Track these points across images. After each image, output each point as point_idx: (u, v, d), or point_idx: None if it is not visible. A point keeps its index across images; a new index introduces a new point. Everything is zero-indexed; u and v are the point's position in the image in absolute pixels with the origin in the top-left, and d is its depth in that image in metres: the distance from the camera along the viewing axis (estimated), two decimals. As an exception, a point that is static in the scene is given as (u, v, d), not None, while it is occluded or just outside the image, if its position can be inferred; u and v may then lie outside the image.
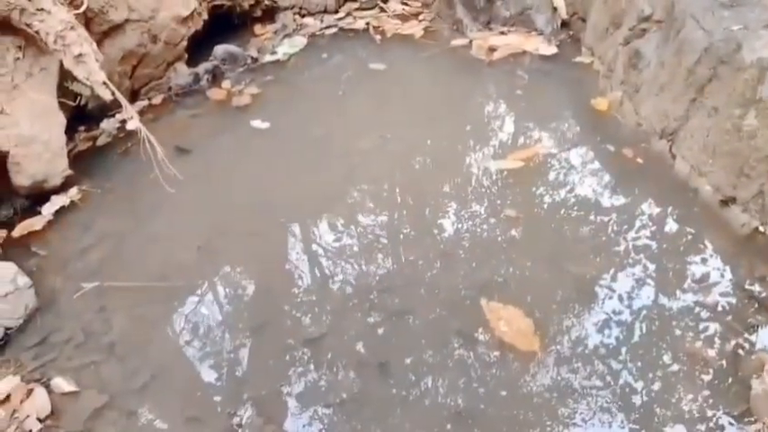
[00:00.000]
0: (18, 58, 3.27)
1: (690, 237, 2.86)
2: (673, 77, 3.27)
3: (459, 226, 3.08)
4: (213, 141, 3.88)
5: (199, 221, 3.30)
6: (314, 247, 3.17)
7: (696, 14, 3.20)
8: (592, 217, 3.01)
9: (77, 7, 3.66)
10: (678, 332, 2.42)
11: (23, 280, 2.88)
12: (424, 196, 3.28)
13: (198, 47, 4.66)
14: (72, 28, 3.29)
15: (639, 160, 3.26)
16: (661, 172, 3.18)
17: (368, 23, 5.00)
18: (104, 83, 3.34)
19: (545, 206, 3.09)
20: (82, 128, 4.04)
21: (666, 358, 2.32)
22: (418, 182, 3.40)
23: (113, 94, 3.34)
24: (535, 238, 2.95)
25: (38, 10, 3.20)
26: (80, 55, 3.27)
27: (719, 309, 2.48)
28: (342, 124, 3.94)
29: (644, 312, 2.52)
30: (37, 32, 3.23)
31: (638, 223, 2.95)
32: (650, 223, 2.95)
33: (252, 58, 4.64)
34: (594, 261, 2.76)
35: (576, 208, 3.07)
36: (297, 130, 3.90)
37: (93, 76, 3.32)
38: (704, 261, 2.72)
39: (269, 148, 3.78)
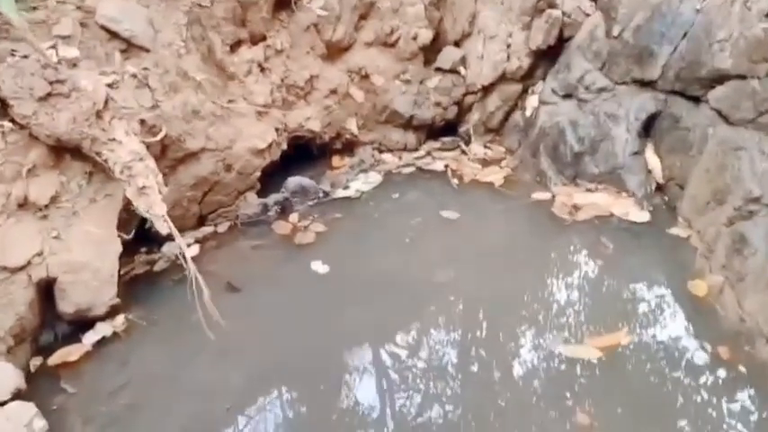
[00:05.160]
0: (81, 185, 3.25)
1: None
2: (786, 275, 2.84)
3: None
4: (267, 281, 3.69)
5: (236, 375, 3.04)
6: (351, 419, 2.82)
7: (817, 206, 2.81)
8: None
9: (155, 134, 3.69)
10: None
11: (39, 424, 2.66)
12: (487, 391, 2.85)
13: (273, 175, 4.63)
14: (140, 159, 3.26)
15: (742, 368, 2.77)
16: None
17: (447, 165, 4.87)
18: (163, 217, 3.25)
19: (627, 414, 2.62)
20: (143, 249, 3.99)
21: None
22: (479, 368, 3.00)
23: (170, 230, 3.23)
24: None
25: (109, 140, 3.20)
26: (144, 187, 3.22)
27: None
28: (404, 276, 3.67)
29: None
30: (105, 161, 3.21)
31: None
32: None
33: (324, 192, 4.53)
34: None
35: (666, 420, 2.59)
36: (356, 279, 3.66)
37: (154, 210, 3.24)
38: None
39: (324, 297, 3.54)
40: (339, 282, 3.67)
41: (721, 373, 2.79)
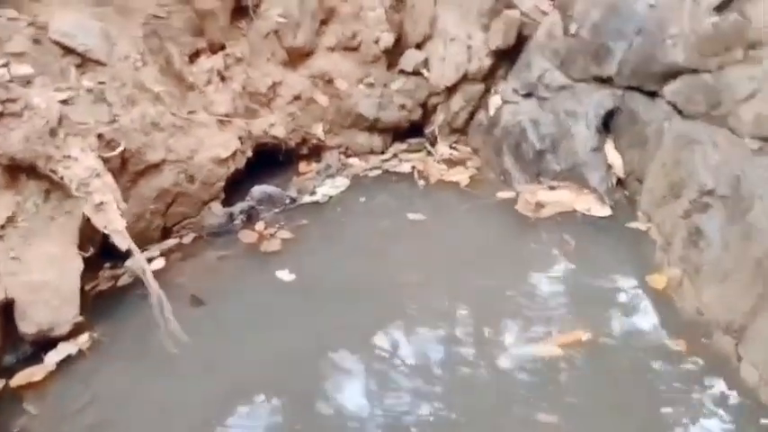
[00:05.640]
0: (38, 204, 3.22)
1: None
2: (739, 265, 2.89)
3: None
4: (234, 292, 3.66)
5: (203, 390, 3.00)
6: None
7: (765, 196, 2.86)
8: None
9: (114, 149, 3.66)
10: None
11: (0, 448, 2.66)
12: (458, 391, 2.86)
13: (239, 183, 4.60)
14: (97, 175, 3.24)
15: (699, 359, 2.81)
16: (725, 377, 2.72)
17: (413, 167, 4.88)
18: (122, 233, 3.23)
19: (590, 410, 2.66)
20: (107, 264, 3.94)
21: None
22: (445, 372, 3.01)
23: (130, 245, 3.22)
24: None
25: (65, 157, 3.18)
26: (101, 203, 3.20)
27: None
28: (372, 280, 3.68)
29: None
30: (62, 178, 3.19)
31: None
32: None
33: (290, 198, 4.52)
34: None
35: (625, 414, 2.63)
36: (322, 287, 3.65)
37: (112, 225, 3.22)
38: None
39: (292, 305, 3.52)
40: (306, 289, 3.65)
41: (679, 365, 2.83)
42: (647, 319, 3.14)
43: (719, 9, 3.56)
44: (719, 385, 2.73)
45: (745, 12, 3.45)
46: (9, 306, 3.13)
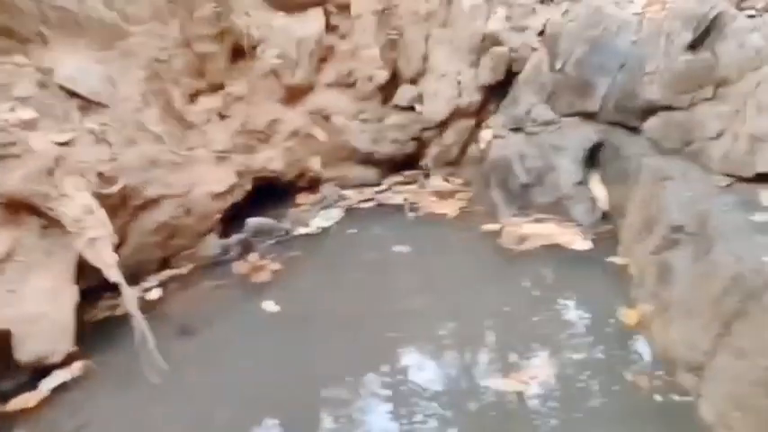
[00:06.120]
0: (36, 240, 3.43)
1: None
2: (700, 303, 2.91)
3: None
4: (222, 322, 3.82)
5: (192, 417, 3.13)
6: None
7: (727, 235, 2.90)
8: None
9: (113, 185, 3.88)
10: None
11: (-10, 471, 2.83)
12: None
13: (238, 214, 4.79)
14: (91, 212, 3.45)
15: (658, 397, 2.84)
16: (682, 415, 2.74)
17: (405, 199, 5.01)
18: (113, 267, 3.42)
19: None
20: (106, 294, 4.14)
21: None
22: (416, 401, 3.09)
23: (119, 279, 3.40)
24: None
25: (61, 195, 3.39)
26: (93, 239, 3.39)
27: None
28: (355, 312, 3.78)
29: None
30: (57, 215, 3.40)
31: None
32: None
33: (284, 230, 4.69)
34: None
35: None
36: (308, 315, 3.78)
37: (103, 260, 3.41)
38: None
39: (279, 335, 3.65)
40: (292, 319, 3.78)
41: (640, 402, 2.85)
42: (613, 355, 3.17)
43: (692, 47, 3.64)
44: (682, 423, 2.75)
45: (716, 50, 3.52)
46: (6, 336, 3.34)
